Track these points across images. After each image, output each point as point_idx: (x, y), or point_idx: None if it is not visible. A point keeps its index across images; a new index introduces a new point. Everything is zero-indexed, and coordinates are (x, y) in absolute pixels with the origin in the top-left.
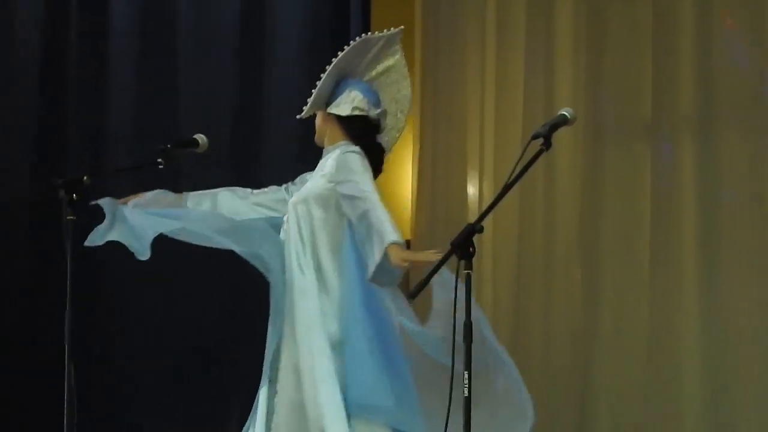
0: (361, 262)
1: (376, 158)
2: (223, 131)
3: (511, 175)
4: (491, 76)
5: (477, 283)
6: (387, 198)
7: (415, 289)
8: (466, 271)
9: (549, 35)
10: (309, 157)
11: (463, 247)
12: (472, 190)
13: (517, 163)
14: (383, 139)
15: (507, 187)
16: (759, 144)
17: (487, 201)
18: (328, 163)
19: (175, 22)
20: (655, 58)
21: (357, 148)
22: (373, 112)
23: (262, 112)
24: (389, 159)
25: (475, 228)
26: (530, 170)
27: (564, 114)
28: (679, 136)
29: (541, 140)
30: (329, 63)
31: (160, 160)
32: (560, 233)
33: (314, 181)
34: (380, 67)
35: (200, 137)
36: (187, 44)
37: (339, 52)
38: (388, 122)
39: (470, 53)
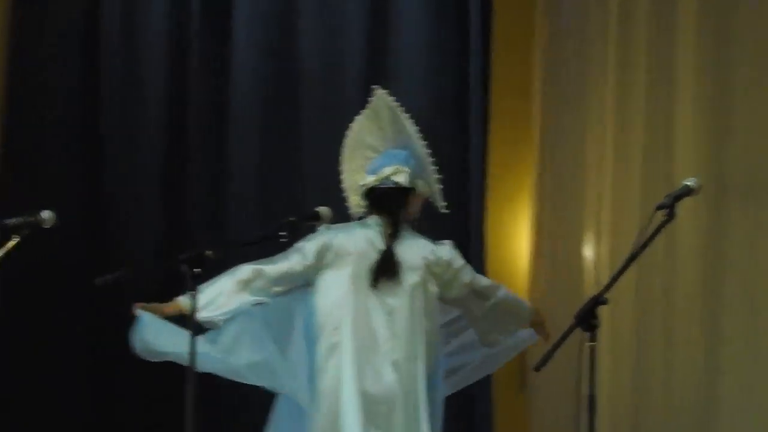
0: None
1: None
2: None
3: (635, 245)
4: (611, 137)
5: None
6: (501, 258)
7: (540, 362)
8: (590, 344)
9: (669, 96)
10: None
11: (586, 320)
12: (588, 253)
13: (641, 234)
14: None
15: (632, 258)
16: None
17: (605, 265)
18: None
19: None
20: None
21: None
22: None
23: None
24: (505, 222)
25: (599, 300)
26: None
27: (688, 185)
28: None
29: (665, 210)
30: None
31: (283, 233)
32: (681, 303)
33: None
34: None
35: (323, 210)
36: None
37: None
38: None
39: (591, 115)
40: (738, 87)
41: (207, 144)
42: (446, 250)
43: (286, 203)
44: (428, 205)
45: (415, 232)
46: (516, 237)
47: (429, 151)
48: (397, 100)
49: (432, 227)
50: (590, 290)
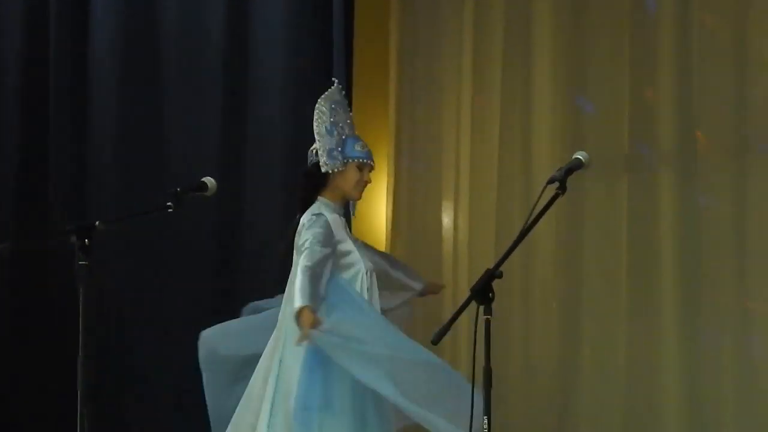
0: None
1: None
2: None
3: (528, 219)
4: (467, 108)
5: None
6: (361, 228)
7: (437, 335)
8: (485, 317)
9: (526, 67)
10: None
11: (482, 293)
12: (446, 221)
13: (533, 207)
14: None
15: (524, 232)
16: (739, 178)
17: (462, 232)
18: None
19: (159, 53)
20: (633, 91)
21: None
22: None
23: (245, 150)
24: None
25: (495, 273)
26: (506, 206)
27: (579, 158)
28: (658, 170)
29: (556, 184)
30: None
31: (170, 203)
32: (539, 269)
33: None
34: None
35: (209, 180)
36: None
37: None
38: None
39: (447, 86)
40: (592, 60)
41: (64, 116)
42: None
43: (146, 175)
44: (293, 178)
45: None
46: (374, 205)
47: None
48: (259, 72)
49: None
50: (448, 257)
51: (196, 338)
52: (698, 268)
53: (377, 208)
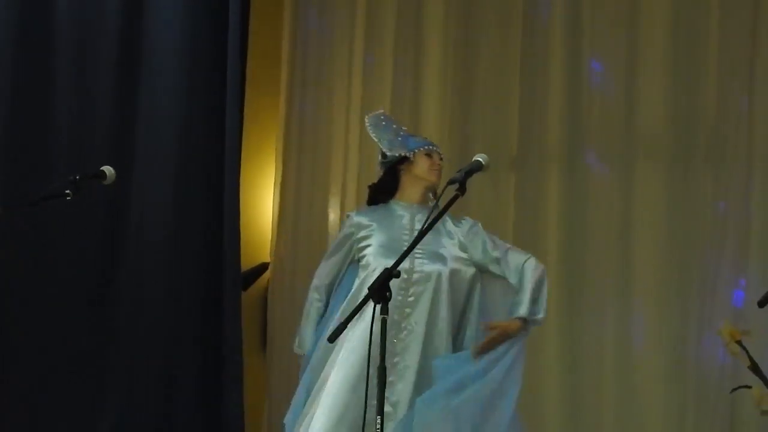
0: None
1: None
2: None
3: (427, 219)
4: (357, 104)
5: None
6: (247, 221)
7: (333, 334)
8: (382, 316)
9: (417, 68)
10: None
11: (380, 292)
12: (332, 216)
13: (433, 208)
14: None
15: (423, 232)
16: (625, 177)
17: None
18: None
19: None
20: (522, 91)
21: None
22: None
23: (137, 138)
24: (252, 182)
25: (392, 273)
26: None
27: (479, 160)
28: (544, 169)
29: (456, 185)
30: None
31: (68, 191)
32: None
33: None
34: None
35: (108, 169)
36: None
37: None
38: None
39: (337, 81)
40: (482, 60)
41: None
42: None
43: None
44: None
45: None
46: (260, 199)
47: None
48: (154, 71)
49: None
50: None
51: (79, 328)
52: (583, 267)
53: (264, 202)
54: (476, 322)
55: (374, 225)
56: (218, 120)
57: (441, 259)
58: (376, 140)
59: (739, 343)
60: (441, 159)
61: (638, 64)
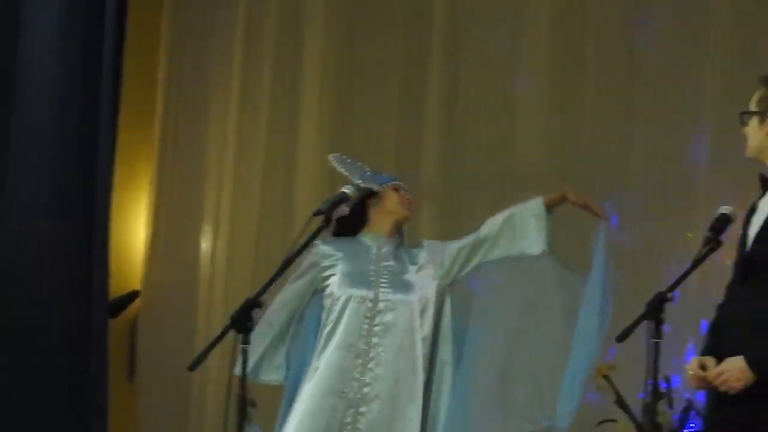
0: None
1: None
2: None
3: (292, 250)
4: (233, 133)
5: None
6: (119, 248)
7: (194, 362)
8: (242, 345)
9: (294, 95)
10: None
11: (241, 322)
12: (205, 245)
13: (299, 237)
14: None
15: (288, 261)
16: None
17: (220, 257)
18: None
19: None
20: (400, 125)
21: None
22: None
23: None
24: (124, 209)
25: (255, 303)
26: (267, 233)
27: (345, 192)
28: (421, 203)
29: (322, 216)
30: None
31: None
32: None
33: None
34: None
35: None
36: None
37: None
38: None
39: (214, 110)
40: (360, 94)
41: None
42: None
43: None
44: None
45: None
46: (132, 226)
47: None
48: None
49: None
50: (205, 282)
51: None
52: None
53: (136, 230)
54: (449, 353)
55: (340, 254)
56: (90, 147)
57: (407, 286)
58: (347, 175)
59: (606, 377)
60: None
61: (516, 104)
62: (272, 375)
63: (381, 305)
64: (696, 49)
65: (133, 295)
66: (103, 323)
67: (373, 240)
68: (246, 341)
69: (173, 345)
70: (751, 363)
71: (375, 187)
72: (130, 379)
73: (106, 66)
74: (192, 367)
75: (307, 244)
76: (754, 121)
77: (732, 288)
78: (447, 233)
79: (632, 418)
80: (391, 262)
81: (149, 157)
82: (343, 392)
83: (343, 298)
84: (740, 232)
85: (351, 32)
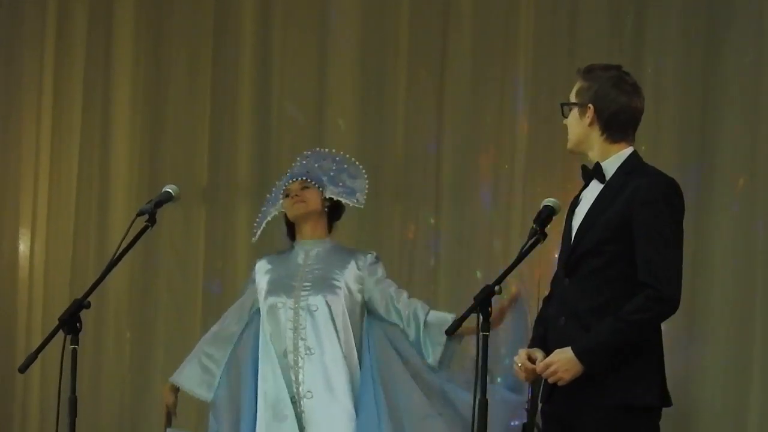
0: None
1: None
2: None
3: (117, 250)
4: (46, 134)
5: None
6: None
7: (24, 364)
8: (72, 347)
9: (107, 96)
10: None
11: (70, 323)
12: (23, 247)
13: (123, 239)
14: None
15: (112, 264)
16: None
17: (38, 259)
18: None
19: None
20: (213, 125)
21: None
22: None
23: None
24: None
25: (83, 303)
26: (83, 233)
27: (168, 191)
28: (234, 202)
29: (146, 216)
30: None
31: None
32: (112, 295)
33: None
34: None
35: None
36: None
37: None
38: None
39: (26, 110)
40: (172, 94)
41: None
42: None
43: None
44: None
45: None
46: None
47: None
48: None
49: None
50: (24, 283)
51: None
52: None
53: None
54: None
55: (271, 266)
56: None
57: (328, 287)
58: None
59: None
60: (304, 186)
61: (329, 104)
62: (202, 390)
63: (302, 304)
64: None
65: None
66: None
67: (301, 246)
68: (75, 341)
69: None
70: (579, 354)
71: (275, 212)
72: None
73: None
74: (22, 369)
75: (132, 244)
76: (574, 113)
77: (557, 280)
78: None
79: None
80: (318, 265)
81: None
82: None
83: (269, 306)
84: (564, 224)
85: (161, 30)
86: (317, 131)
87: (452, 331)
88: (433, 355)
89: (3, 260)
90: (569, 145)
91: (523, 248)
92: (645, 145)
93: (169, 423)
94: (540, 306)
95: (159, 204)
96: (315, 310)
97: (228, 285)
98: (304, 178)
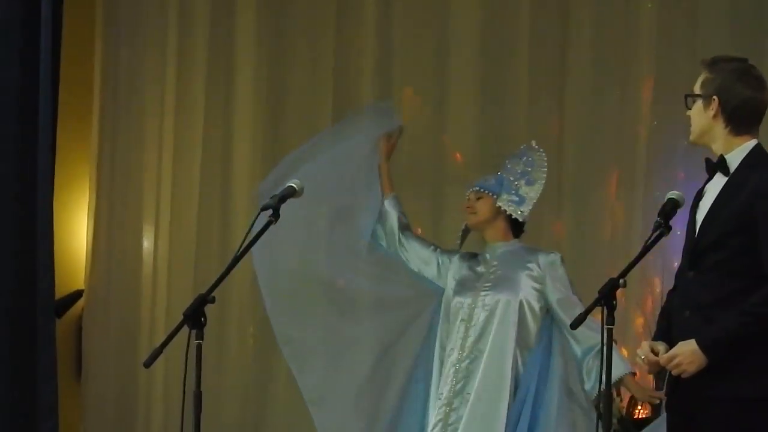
0: None
1: None
2: None
3: (241, 245)
4: (169, 129)
5: None
6: (60, 248)
7: (149, 358)
8: (197, 341)
9: (229, 89)
10: None
11: (194, 318)
12: (146, 244)
13: (247, 234)
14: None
15: (237, 259)
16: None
17: (162, 255)
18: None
19: None
20: (335, 117)
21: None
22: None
23: None
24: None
25: (207, 299)
26: (206, 229)
27: (292, 186)
28: None
29: (270, 211)
30: None
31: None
32: (235, 289)
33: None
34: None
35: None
36: None
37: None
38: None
39: (150, 109)
40: (294, 84)
41: None
42: None
43: None
44: None
45: None
46: (74, 226)
47: None
48: None
49: None
50: (148, 279)
51: None
52: None
53: (77, 229)
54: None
55: (462, 266)
56: (30, 150)
57: (507, 288)
58: None
59: None
60: (478, 196)
61: (450, 94)
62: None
63: (479, 303)
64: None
65: (77, 295)
66: (50, 323)
67: (486, 249)
68: (199, 336)
69: (118, 343)
70: (704, 346)
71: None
72: (77, 378)
73: (43, 70)
74: (148, 363)
75: (256, 239)
76: (698, 105)
77: (682, 273)
78: None
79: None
80: (500, 266)
81: (88, 158)
82: (441, 393)
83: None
84: (688, 217)
85: (282, 23)
86: (439, 121)
87: (576, 326)
88: (590, 384)
89: (127, 257)
90: (692, 137)
91: (647, 241)
92: None
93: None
94: (664, 299)
95: (283, 199)
96: (491, 309)
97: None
98: (477, 189)
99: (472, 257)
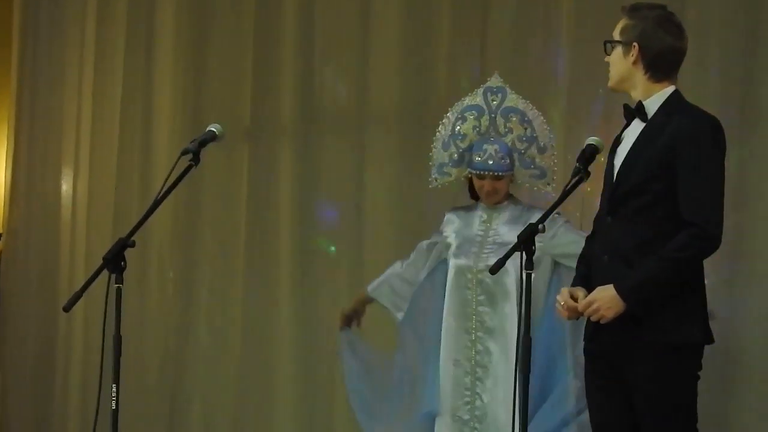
0: None
1: None
2: None
3: (161, 189)
4: (89, 76)
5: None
6: None
7: (69, 303)
8: (116, 285)
9: (150, 37)
10: None
11: (115, 262)
12: (66, 187)
13: (167, 178)
14: None
15: (157, 203)
16: (357, 155)
17: (81, 198)
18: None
19: None
20: (256, 65)
21: None
22: None
23: None
24: None
25: (127, 242)
26: (126, 174)
27: (212, 130)
28: (277, 142)
29: (190, 156)
30: None
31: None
32: (156, 235)
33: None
34: None
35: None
36: None
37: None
38: None
39: (70, 52)
40: (215, 34)
41: None
42: None
43: None
44: None
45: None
46: None
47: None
48: None
49: None
50: (66, 224)
51: None
52: (313, 238)
53: None
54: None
55: (457, 225)
56: None
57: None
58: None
59: None
60: (497, 179)
61: (372, 45)
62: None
63: (481, 266)
64: None
65: None
66: None
67: (483, 209)
68: (119, 280)
69: (37, 286)
70: (622, 292)
71: (461, 177)
72: None
73: None
74: (67, 308)
75: (177, 183)
76: (617, 51)
77: (600, 219)
78: (304, 173)
79: None
80: (499, 228)
81: (7, 102)
82: (456, 359)
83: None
84: (606, 163)
85: None
86: (360, 70)
87: (495, 271)
88: None
89: (46, 200)
90: (611, 83)
91: (566, 187)
92: (687, 84)
93: (348, 324)
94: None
95: (203, 143)
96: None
97: (270, 225)
98: (496, 173)
99: (467, 215)
